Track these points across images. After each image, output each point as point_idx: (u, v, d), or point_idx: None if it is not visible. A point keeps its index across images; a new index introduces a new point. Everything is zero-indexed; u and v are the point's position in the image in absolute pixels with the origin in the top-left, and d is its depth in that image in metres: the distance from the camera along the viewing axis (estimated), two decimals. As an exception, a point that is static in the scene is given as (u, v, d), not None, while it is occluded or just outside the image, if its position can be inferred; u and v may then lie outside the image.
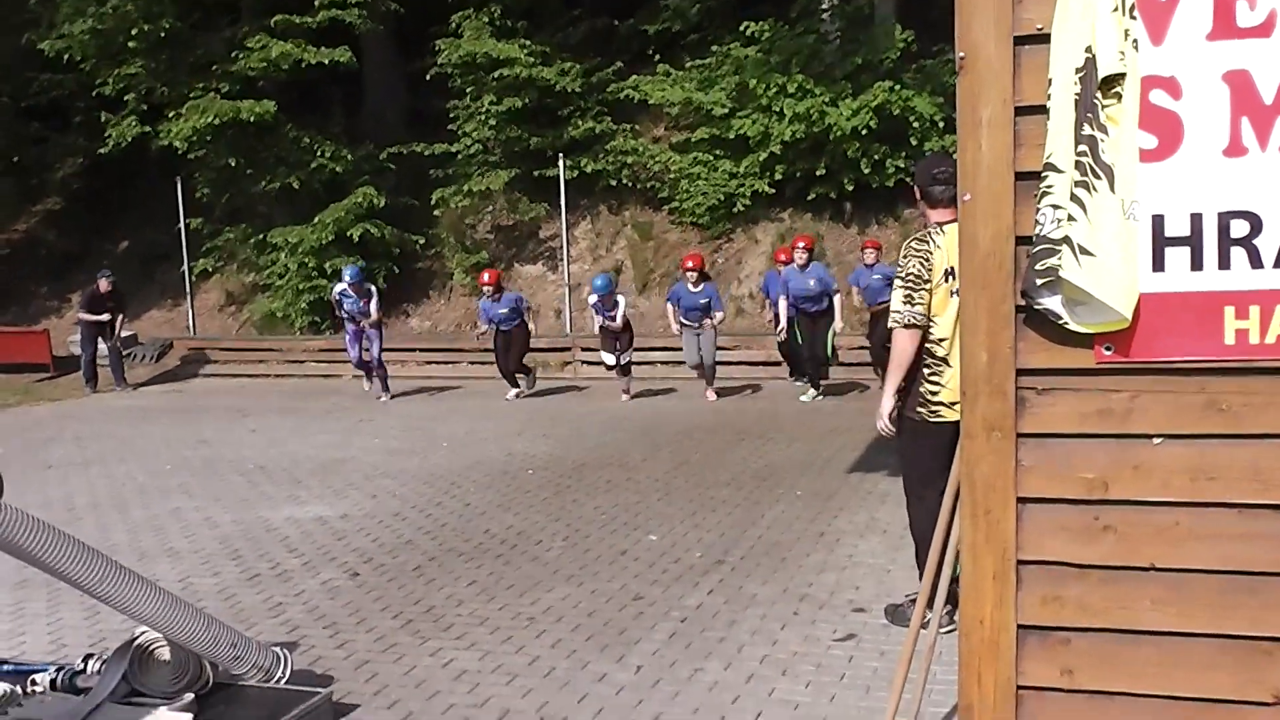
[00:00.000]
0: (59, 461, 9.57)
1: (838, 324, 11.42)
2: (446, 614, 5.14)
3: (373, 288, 12.59)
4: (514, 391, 12.32)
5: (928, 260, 4.30)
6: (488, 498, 7.55)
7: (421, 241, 16.36)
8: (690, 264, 11.69)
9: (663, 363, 13.77)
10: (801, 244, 11.54)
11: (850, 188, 14.50)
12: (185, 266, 17.04)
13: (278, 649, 4.19)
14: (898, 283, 4.39)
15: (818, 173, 14.47)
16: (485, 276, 12.25)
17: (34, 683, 4.00)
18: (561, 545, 6.27)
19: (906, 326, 4.34)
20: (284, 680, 4.06)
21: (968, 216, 2.40)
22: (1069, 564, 2.43)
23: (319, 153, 16.02)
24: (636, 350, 12.85)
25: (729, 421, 10.32)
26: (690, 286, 11.57)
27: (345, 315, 12.63)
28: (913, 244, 4.40)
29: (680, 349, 12.14)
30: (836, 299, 11.38)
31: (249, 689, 3.98)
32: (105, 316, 14.26)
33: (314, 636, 4.89)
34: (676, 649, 4.59)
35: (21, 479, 8.63)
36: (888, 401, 4.50)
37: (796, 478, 7.78)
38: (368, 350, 12.62)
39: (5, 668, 4.25)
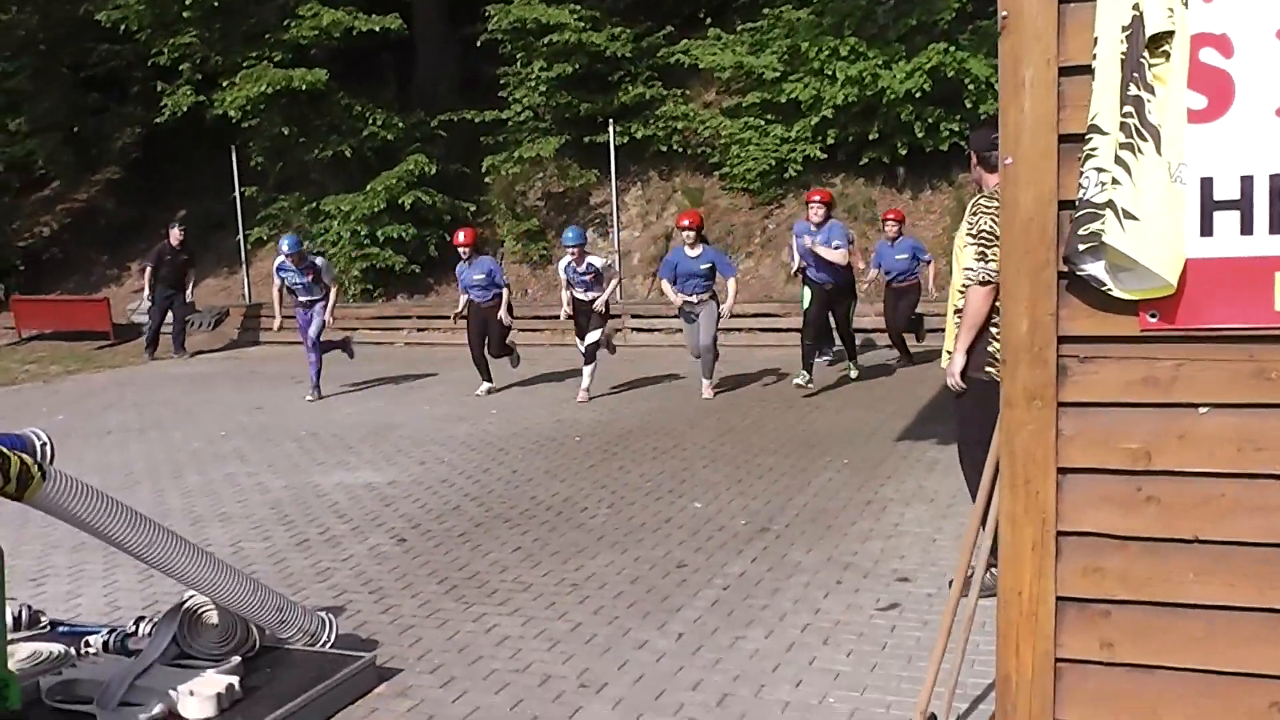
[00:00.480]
0: (117, 428, 9.75)
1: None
2: (491, 580, 5.18)
3: (319, 260, 10.74)
4: (485, 386, 10.51)
5: (999, 216, 4.25)
6: (535, 464, 7.59)
7: (473, 209, 16.38)
8: (686, 222, 9.84)
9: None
10: (818, 198, 9.80)
11: (904, 152, 14.27)
12: (241, 235, 17.20)
13: (323, 613, 4.26)
14: (968, 240, 4.38)
15: (871, 137, 14.25)
16: (460, 235, 10.36)
17: (87, 644, 4.10)
18: (607, 512, 6.29)
19: (982, 283, 4.31)
20: (329, 644, 4.12)
21: (1009, 180, 2.36)
22: (1110, 535, 2.39)
23: (370, 120, 16.06)
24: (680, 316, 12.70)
25: (776, 389, 10.25)
26: (688, 250, 9.71)
27: (292, 295, 10.87)
28: (981, 201, 4.39)
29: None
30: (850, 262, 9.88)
31: (295, 652, 4.04)
32: (143, 294, 14.36)
33: (360, 601, 4.95)
34: (718, 616, 4.59)
35: (81, 445, 8.82)
36: (959, 359, 4.48)
37: (844, 445, 7.72)
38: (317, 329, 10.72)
39: (61, 629, 4.36)
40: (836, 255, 9.64)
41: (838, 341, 10.83)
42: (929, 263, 10.97)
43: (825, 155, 14.67)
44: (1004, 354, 2.41)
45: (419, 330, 15.38)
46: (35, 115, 18.64)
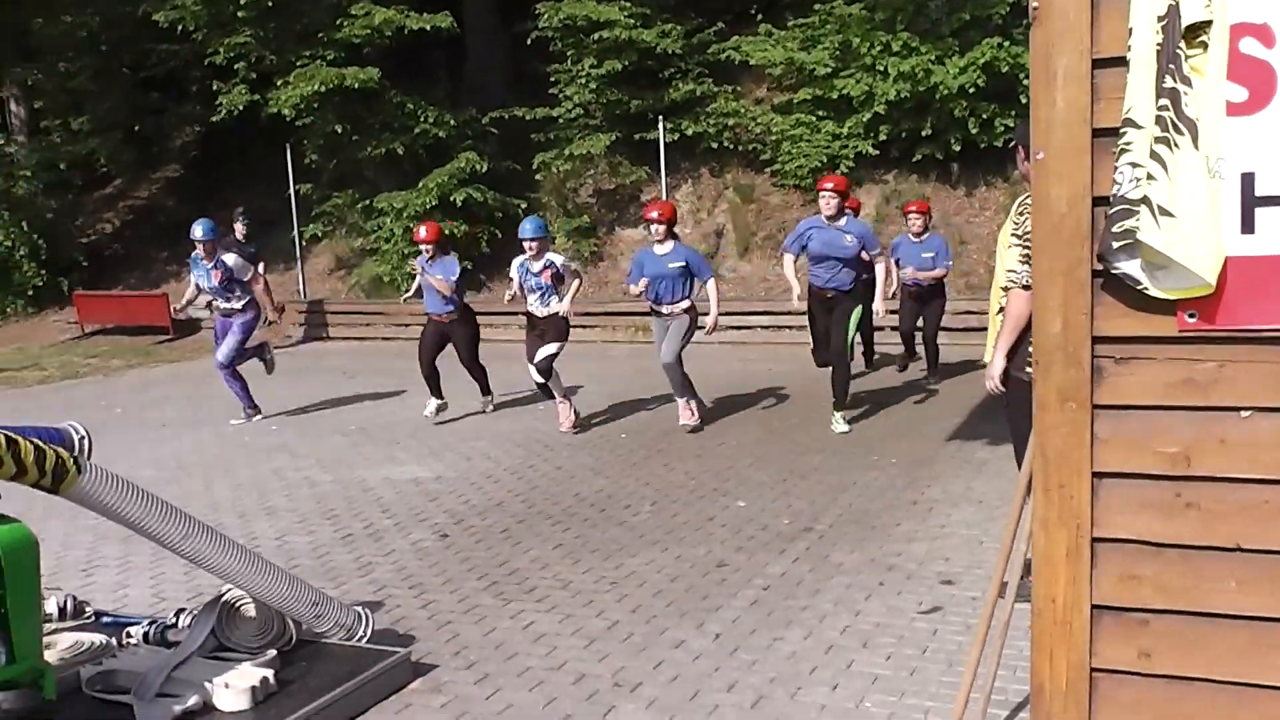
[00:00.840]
0: (172, 421, 9.90)
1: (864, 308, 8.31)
2: (530, 576, 5.18)
3: (230, 258, 9.07)
4: (434, 404, 9.14)
5: None
6: (579, 461, 7.58)
7: (524, 206, 16.41)
8: (655, 214, 8.15)
9: (763, 327, 13.64)
10: (830, 186, 8.02)
11: (957, 148, 14.09)
12: (295, 231, 17.40)
13: (360, 608, 4.28)
14: (1013, 240, 4.30)
15: (924, 133, 14.09)
16: (422, 231, 8.91)
17: (129, 635, 4.16)
18: (649, 510, 6.26)
19: (1025, 287, 4.23)
20: (365, 639, 4.14)
21: (1041, 176, 2.29)
22: (1147, 542, 2.32)
23: (422, 118, 16.17)
24: (730, 314, 12.52)
25: (823, 387, 10.12)
26: (656, 247, 8.19)
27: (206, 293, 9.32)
28: (1029, 201, 4.29)
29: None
30: (878, 270, 8.28)
31: (331, 646, 4.06)
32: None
33: (400, 596, 4.97)
34: (757, 617, 4.55)
35: (135, 438, 8.97)
36: (999, 362, 4.42)
37: (892, 444, 7.63)
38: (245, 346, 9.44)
39: (105, 620, 4.43)
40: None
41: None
42: (948, 269, 9.96)
43: (878, 151, 14.53)
44: (1036, 354, 2.34)
45: (469, 326, 15.41)
46: (97, 115, 19.04)
